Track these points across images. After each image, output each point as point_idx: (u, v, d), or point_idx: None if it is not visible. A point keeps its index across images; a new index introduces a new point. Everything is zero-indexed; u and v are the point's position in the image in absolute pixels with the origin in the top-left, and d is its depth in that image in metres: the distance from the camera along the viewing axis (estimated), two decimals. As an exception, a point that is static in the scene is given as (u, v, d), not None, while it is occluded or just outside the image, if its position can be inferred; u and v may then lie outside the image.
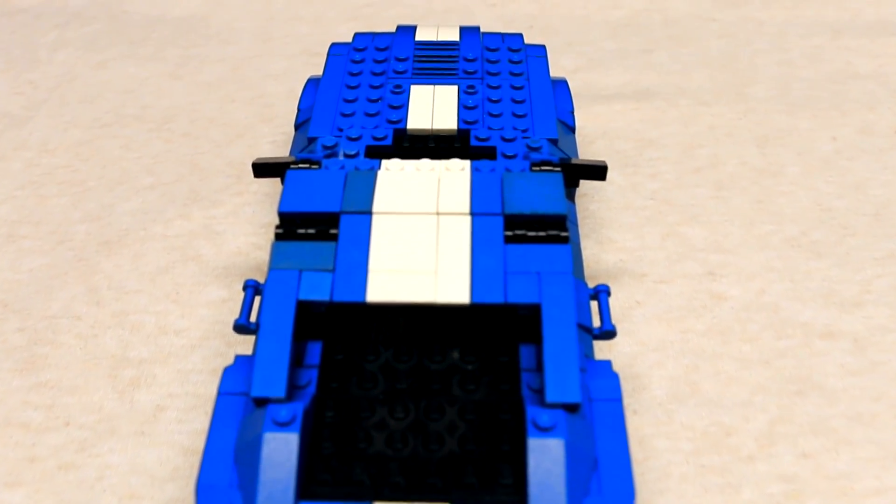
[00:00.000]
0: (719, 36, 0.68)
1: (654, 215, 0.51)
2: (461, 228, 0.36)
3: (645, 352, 0.43)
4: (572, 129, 0.49)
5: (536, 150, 0.43)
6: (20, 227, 0.51)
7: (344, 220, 0.37)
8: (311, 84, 0.53)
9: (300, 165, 0.41)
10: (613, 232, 0.50)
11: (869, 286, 0.46)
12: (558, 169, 0.40)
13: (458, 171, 0.39)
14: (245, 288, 0.38)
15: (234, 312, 0.44)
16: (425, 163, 0.40)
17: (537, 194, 0.38)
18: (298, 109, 0.51)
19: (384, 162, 0.41)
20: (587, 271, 0.47)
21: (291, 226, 0.37)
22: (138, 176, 0.55)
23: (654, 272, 0.47)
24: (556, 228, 0.37)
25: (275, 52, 0.67)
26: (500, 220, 0.37)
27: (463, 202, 0.38)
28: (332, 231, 0.37)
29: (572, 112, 0.50)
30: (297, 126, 0.50)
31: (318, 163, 0.41)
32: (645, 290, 0.46)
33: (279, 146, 0.56)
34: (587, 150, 0.55)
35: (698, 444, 0.39)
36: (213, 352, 0.43)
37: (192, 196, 0.53)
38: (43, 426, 0.40)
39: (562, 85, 0.53)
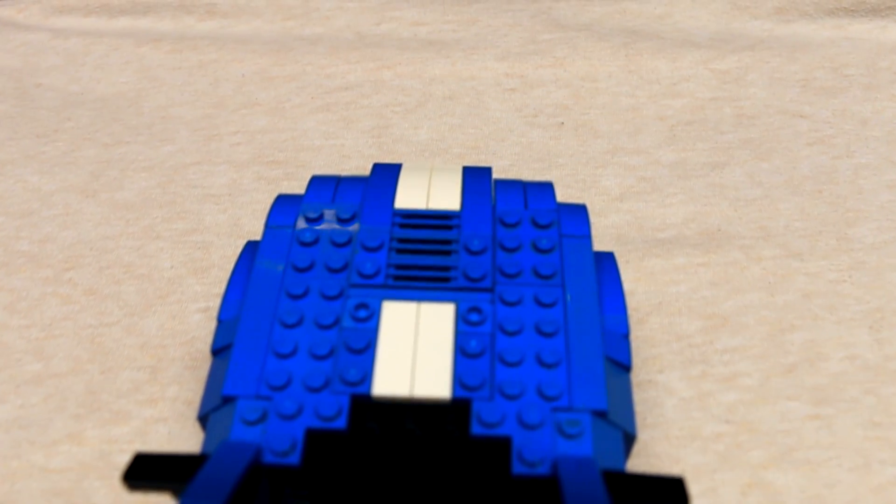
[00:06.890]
0: (810, 141, 0.56)
1: (731, 451, 0.40)
2: None
3: None
4: (627, 368, 0.36)
5: (574, 437, 0.31)
6: None
7: None
8: (245, 262, 0.40)
9: None
10: (674, 481, 0.39)
11: None
12: None
13: None
14: None
15: None
16: None
17: None
18: (219, 321, 0.38)
19: None
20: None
21: None
22: (21, 359, 0.44)
23: (732, 554, 0.36)
24: None
25: (219, 157, 0.55)
26: None
27: None
28: None
29: (627, 336, 0.37)
30: (215, 352, 0.37)
31: None
32: (720, 586, 0.35)
33: (211, 318, 0.45)
34: (634, 331, 0.44)
35: None
36: None
37: (88, 400, 0.42)
38: None
39: (607, 266, 0.39)
